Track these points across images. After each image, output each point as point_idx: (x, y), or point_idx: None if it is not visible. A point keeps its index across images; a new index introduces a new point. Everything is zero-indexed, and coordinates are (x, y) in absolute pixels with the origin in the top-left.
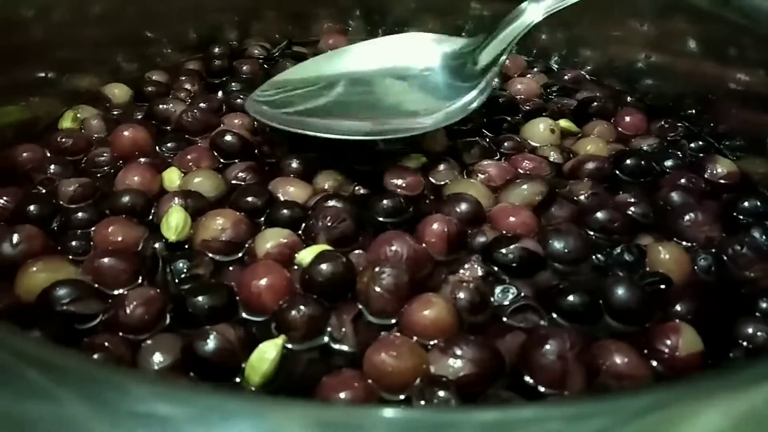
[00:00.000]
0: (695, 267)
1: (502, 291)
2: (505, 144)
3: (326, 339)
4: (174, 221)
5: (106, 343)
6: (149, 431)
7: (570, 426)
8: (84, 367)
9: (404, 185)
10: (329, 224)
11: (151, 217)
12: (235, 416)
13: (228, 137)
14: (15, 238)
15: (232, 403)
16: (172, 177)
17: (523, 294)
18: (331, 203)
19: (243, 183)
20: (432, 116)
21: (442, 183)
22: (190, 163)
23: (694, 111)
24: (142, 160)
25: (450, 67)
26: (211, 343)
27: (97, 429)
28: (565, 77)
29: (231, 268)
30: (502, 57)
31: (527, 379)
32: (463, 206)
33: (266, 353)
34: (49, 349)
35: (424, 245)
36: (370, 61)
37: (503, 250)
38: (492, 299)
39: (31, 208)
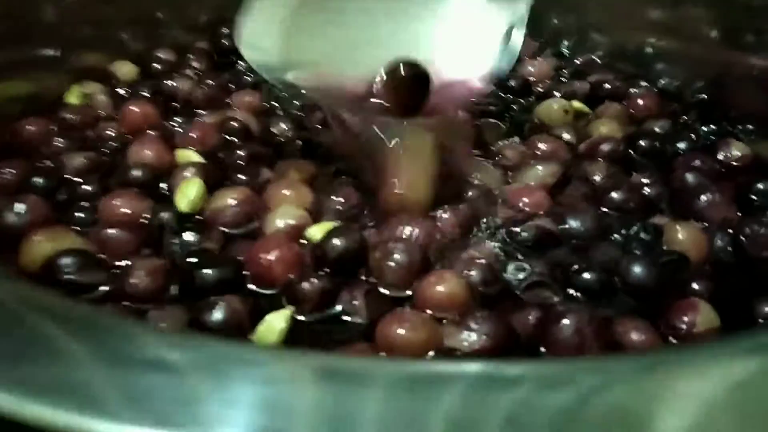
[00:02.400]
0: (712, 246)
1: (516, 268)
2: (523, 126)
3: (338, 309)
4: (192, 192)
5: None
6: (157, 377)
7: (560, 383)
8: (93, 315)
9: None
10: (339, 205)
11: (160, 190)
12: (241, 363)
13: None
14: (19, 207)
15: (238, 351)
16: (187, 154)
17: (537, 270)
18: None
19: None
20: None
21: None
22: (195, 141)
23: (706, 95)
24: (152, 132)
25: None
26: (218, 313)
27: (106, 375)
28: (577, 61)
29: (240, 243)
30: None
31: (542, 354)
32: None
33: (274, 323)
34: (63, 302)
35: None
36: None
37: (518, 228)
38: (505, 275)
39: (36, 179)
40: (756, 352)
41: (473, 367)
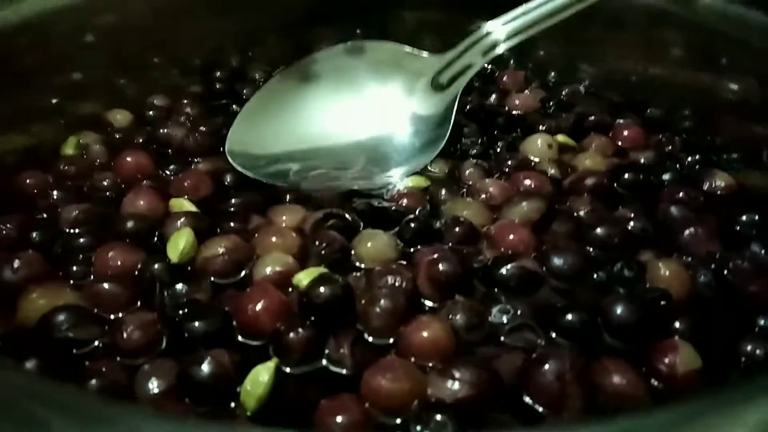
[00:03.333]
0: (696, 283)
1: (499, 311)
2: (508, 162)
3: (324, 362)
4: (182, 243)
5: (104, 369)
6: None
7: None
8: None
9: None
10: (324, 249)
11: (153, 239)
12: None
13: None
14: (15, 263)
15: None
16: (180, 204)
17: (520, 312)
18: (327, 228)
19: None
20: (397, 169)
21: (442, 200)
22: (188, 189)
23: (690, 123)
24: (146, 183)
25: (413, 96)
26: (206, 368)
27: None
28: (563, 92)
29: (229, 292)
30: (463, 84)
31: (526, 399)
32: (458, 230)
33: (260, 377)
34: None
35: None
36: (334, 87)
37: (502, 270)
38: (490, 319)
39: (33, 234)
40: None
41: None
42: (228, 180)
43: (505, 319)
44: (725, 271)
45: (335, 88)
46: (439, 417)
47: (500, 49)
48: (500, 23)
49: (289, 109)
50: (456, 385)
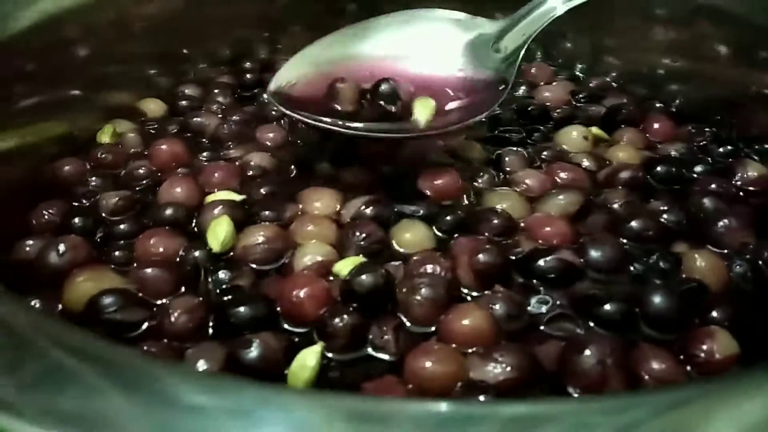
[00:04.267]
0: (731, 273)
1: (538, 301)
2: (544, 153)
3: (369, 349)
4: (222, 232)
5: (153, 349)
6: (189, 419)
7: (602, 419)
8: (138, 363)
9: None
10: (363, 240)
11: (192, 226)
12: (273, 407)
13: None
14: (61, 247)
15: (269, 394)
16: (218, 196)
17: (558, 303)
18: (366, 218)
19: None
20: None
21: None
22: (216, 183)
23: (720, 116)
24: (182, 170)
25: (471, 55)
26: (254, 351)
27: (138, 414)
28: (591, 84)
29: (270, 279)
30: (524, 48)
31: (567, 386)
32: (495, 222)
33: (306, 360)
34: (106, 347)
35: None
36: (390, 44)
37: (540, 262)
38: (528, 309)
39: (76, 220)
40: None
41: (505, 407)
42: (260, 168)
43: (544, 309)
44: (760, 262)
45: (390, 41)
46: (482, 398)
47: (560, 11)
48: None
49: (338, 53)
50: (498, 368)
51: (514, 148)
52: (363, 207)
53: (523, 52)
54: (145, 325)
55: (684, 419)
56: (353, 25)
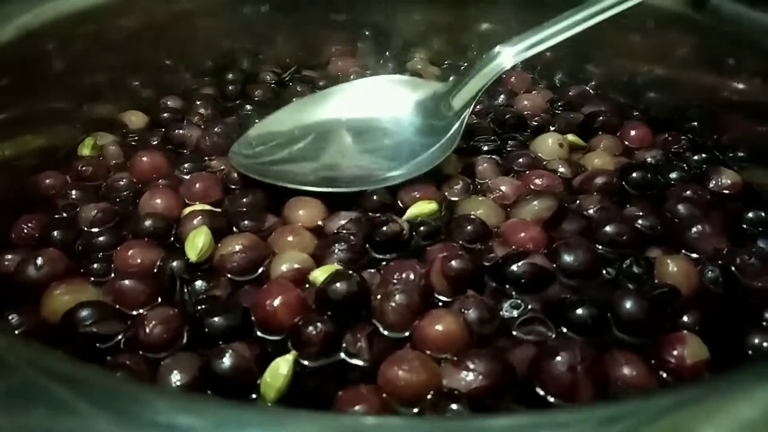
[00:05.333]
0: (703, 279)
1: (510, 305)
2: (519, 160)
3: (342, 355)
4: (200, 242)
5: (128, 362)
6: None
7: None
8: (109, 382)
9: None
10: (341, 248)
11: (171, 237)
12: (251, 427)
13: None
14: (39, 260)
15: (247, 414)
16: (196, 208)
17: (530, 307)
18: (343, 228)
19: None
20: (403, 167)
21: (456, 200)
22: (198, 194)
23: (697, 123)
24: (162, 182)
25: (423, 112)
26: (227, 361)
27: None
28: (570, 92)
29: (246, 288)
30: (472, 103)
31: (538, 391)
32: (469, 228)
33: (279, 369)
34: (76, 366)
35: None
36: (343, 109)
37: (513, 267)
38: (501, 313)
39: (55, 233)
40: None
41: (492, 422)
42: (240, 180)
43: (516, 314)
44: (732, 267)
45: (347, 107)
46: (454, 406)
47: (508, 66)
48: (510, 47)
49: (299, 121)
50: (470, 376)
51: (488, 156)
52: (346, 222)
53: (470, 108)
54: (120, 337)
55: (675, 425)
56: (314, 94)
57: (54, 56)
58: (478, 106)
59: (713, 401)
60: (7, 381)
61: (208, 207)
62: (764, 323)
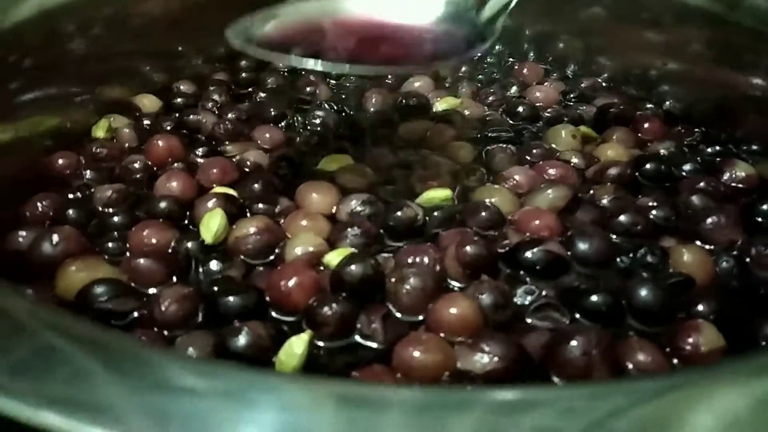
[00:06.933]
0: (717, 268)
1: (525, 291)
2: (534, 151)
3: (356, 338)
4: (214, 225)
5: (143, 338)
6: (179, 401)
7: (587, 403)
8: (130, 346)
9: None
10: (354, 233)
11: (185, 219)
12: (263, 390)
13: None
14: (55, 237)
15: (259, 377)
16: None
17: (545, 294)
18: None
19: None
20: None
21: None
22: (215, 178)
23: (710, 117)
24: (177, 165)
25: (452, 17)
26: (242, 339)
27: (129, 396)
28: (582, 85)
29: (261, 270)
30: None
31: (553, 378)
32: (484, 215)
33: (294, 348)
34: (96, 330)
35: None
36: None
37: (527, 253)
38: (515, 299)
39: (70, 211)
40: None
41: (491, 393)
42: (256, 165)
43: (529, 300)
44: (746, 258)
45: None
46: (469, 389)
47: None
48: None
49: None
50: (485, 359)
51: (503, 146)
52: (359, 206)
53: (504, 16)
54: (135, 314)
55: (667, 406)
56: None
57: (70, 38)
58: (489, 98)
59: (706, 387)
60: (27, 345)
61: (230, 190)
62: None
